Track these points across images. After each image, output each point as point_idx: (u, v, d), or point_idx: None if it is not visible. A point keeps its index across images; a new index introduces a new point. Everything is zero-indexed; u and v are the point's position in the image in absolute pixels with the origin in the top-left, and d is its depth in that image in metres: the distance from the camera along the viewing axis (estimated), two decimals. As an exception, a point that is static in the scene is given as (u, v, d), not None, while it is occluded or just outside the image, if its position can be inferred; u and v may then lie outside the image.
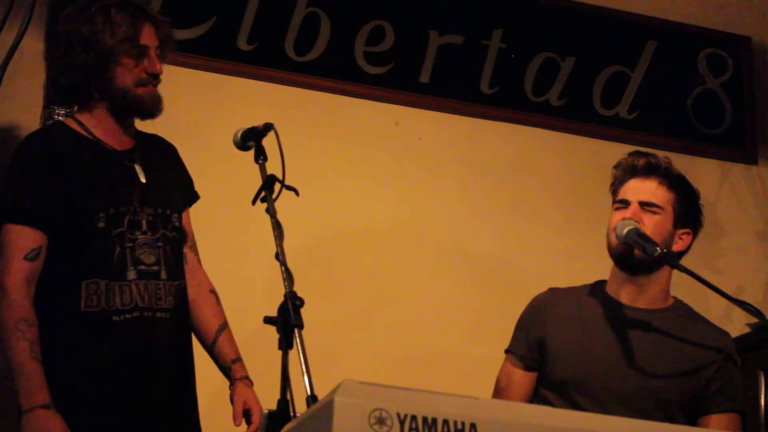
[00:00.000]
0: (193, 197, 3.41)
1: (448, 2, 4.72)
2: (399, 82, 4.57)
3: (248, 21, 4.38)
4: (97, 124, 3.17)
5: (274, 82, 4.39)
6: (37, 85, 4.06)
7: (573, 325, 3.26)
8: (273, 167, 2.90)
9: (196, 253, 3.38)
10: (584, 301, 3.32)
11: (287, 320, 2.53)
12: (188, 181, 3.40)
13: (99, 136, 3.16)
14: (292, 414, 2.47)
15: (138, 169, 3.18)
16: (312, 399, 2.45)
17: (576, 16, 4.90)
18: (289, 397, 2.48)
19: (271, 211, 2.78)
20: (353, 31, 4.54)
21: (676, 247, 3.27)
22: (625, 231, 3.17)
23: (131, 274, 3.07)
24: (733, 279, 4.67)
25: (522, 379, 3.27)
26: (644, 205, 3.23)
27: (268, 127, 2.99)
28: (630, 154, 3.38)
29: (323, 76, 4.46)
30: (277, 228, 2.74)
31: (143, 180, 3.16)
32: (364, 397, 1.89)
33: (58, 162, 3.09)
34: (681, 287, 4.49)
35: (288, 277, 2.63)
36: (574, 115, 4.81)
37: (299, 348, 2.51)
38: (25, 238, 3.03)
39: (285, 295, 2.58)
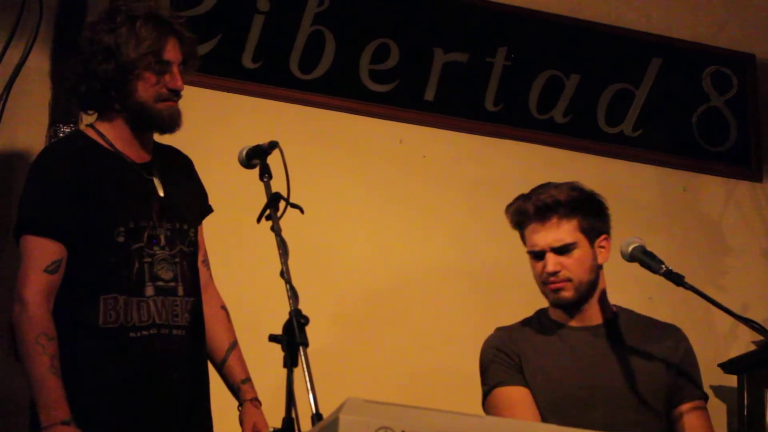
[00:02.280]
0: (206, 210, 3.38)
1: (453, 20, 4.73)
2: (404, 99, 4.58)
3: (253, 39, 4.39)
4: (116, 135, 3.14)
5: (279, 100, 4.40)
6: (43, 104, 4.07)
7: (538, 355, 3.29)
8: (278, 185, 2.90)
9: (208, 268, 3.35)
10: (537, 331, 3.35)
11: (292, 338, 2.53)
12: (203, 194, 3.37)
13: (118, 148, 3.14)
14: (297, 432, 2.47)
15: (156, 182, 3.16)
16: (317, 417, 2.45)
17: (580, 34, 4.91)
18: (294, 415, 2.48)
19: (276, 229, 2.77)
20: (358, 49, 4.55)
21: (602, 258, 3.30)
22: (630, 249, 3.18)
23: (149, 291, 3.05)
24: (739, 296, 4.66)
25: (525, 396, 3.25)
26: (558, 250, 3.24)
27: (273, 146, 2.98)
28: (518, 199, 3.32)
29: (328, 94, 4.46)
30: (282, 246, 2.74)
31: (161, 194, 3.14)
32: (369, 415, 1.89)
33: (78, 174, 3.06)
34: (686, 305, 4.51)
35: (293, 295, 2.63)
36: (578, 133, 4.81)
37: (304, 366, 2.51)
38: (46, 250, 3.00)
39: (290, 313, 2.57)
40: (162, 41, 3.08)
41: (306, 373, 2.51)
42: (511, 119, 4.73)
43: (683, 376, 3.26)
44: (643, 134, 4.90)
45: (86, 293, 3.02)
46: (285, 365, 2.52)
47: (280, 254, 2.71)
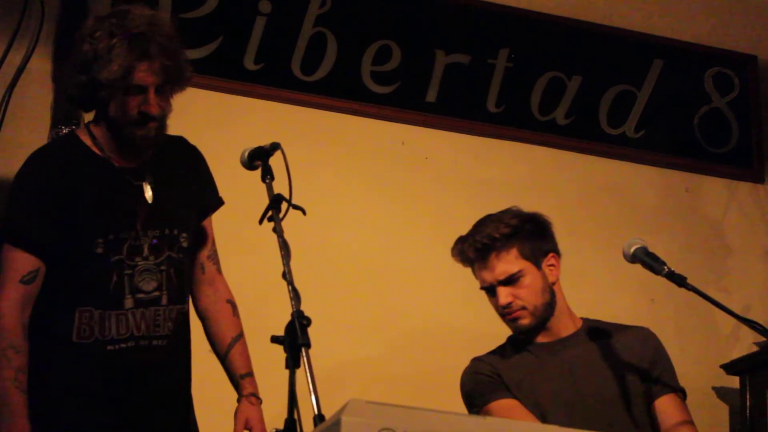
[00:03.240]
0: (215, 203, 3.33)
1: (455, 22, 4.73)
2: (406, 101, 4.58)
3: (255, 41, 4.39)
4: (106, 139, 3.08)
5: (281, 102, 4.40)
6: (45, 105, 4.07)
7: (515, 372, 3.31)
8: (280, 187, 2.90)
9: (215, 263, 3.32)
10: (511, 352, 3.37)
11: (294, 339, 2.53)
12: (210, 187, 3.32)
13: (108, 152, 3.08)
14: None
15: (146, 187, 3.09)
16: (319, 418, 2.44)
17: (582, 36, 4.91)
18: (296, 416, 2.48)
19: (279, 231, 2.77)
20: (360, 50, 4.56)
21: (552, 276, 3.35)
22: (632, 250, 3.18)
23: (128, 303, 3.02)
24: (741, 298, 4.66)
25: (517, 405, 3.26)
26: (505, 282, 3.28)
27: (275, 147, 2.97)
28: (457, 242, 3.40)
29: (330, 96, 4.47)
30: (285, 247, 2.73)
31: (150, 200, 3.07)
32: (371, 416, 1.89)
33: (62, 184, 3.02)
34: (688, 306, 4.51)
35: (295, 296, 2.63)
36: (580, 134, 4.81)
37: (306, 367, 2.51)
38: (22, 262, 2.98)
39: (292, 314, 2.57)
40: (133, 65, 2.92)
41: (308, 374, 2.51)
42: (513, 121, 4.73)
43: (656, 372, 3.28)
44: (645, 135, 4.90)
45: (63, 306, 3.00)
46: (287, 366, 2.52)
47: (282, 255, 2.71)
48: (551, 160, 4.74)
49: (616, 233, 4.48)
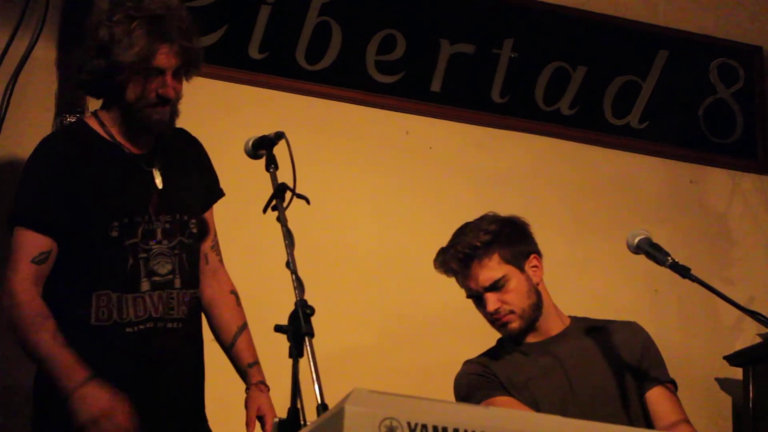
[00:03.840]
0: (216, 194, 3.36)
1: (460, 11, 4.72)
2: (410, 91, 4.58)
3: (259, 30, 4.38)
4: (116, 125, 3.12)
5: (285, 91, 4.39)
6: (49, 94, 4.07)
7: (508, 372, 3.32)
8: (284, 176, 2.90)
9: (218, 253, 3.35)
10: (503, 354, 3.38)
11: (298, 328, 2.53)
12: (212, 178, 3.35)
13: (118, 138, 3.12)
14: (302, 422, 2.46)
15: (156, 173, 3.13)
16: (322, 407, 2.45)
17: (587, 26, 4.90)
18: (299, 405, 2.48)
19: (282, 220, 2.77)
20: (364, 40, 4.55)
21: (537, 277, 3.35)
22: (636, 241, 3.18)
23: (145, 286, 3.04)
24: (745, 289, 4.66)
25: (514, 401, 3.26)
26: (491, 288, 3.30)
27: (279, 136, 2.97)
28: (439, 254, 3.40)
29: (334, 85, 4.46)
30: (288, 236, 2.73)
31: (160, 186, 3.11)
32: (374, 405, 1.88)
33: (74, 168, 3.04)
34: (692, 297, 4.51)
35: (299, 285, 2.63)
36: (585, 125, 4.81)
37: (310, 357, 2.50)
38: (34, 243, 2.99)
39: (296, 304, 2.57)
40: (154, 47, 2.99)
41: (312, 364, 2.51)
42: (517, 111, 4.72)
43: (645, 364, 3.28)
44: (650, 126, 4.90)
45: (80, 290, 3.01)
46: (290, 355, 2.52)
47: (286, 245, 2.71)
48: (555, 151, 4.74)
49: (620, 224, 4.48)
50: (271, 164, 2.93)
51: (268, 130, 3.04)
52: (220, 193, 3.38)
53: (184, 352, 3.14)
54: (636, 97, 4.90)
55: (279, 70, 4.41)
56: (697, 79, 5.03)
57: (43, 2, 4.06)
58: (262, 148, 2.98)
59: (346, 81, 4.49)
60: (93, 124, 3.15)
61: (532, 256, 3.36)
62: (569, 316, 3.45)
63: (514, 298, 3.28)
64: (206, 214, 3.31)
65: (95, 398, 2.87)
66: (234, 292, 3.34)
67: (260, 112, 4.27)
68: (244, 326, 3.29)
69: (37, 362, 2.96)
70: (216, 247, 3.34)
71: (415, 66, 4.60)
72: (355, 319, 4.24)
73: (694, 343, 4.63)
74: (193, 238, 3.18)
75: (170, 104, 3.07)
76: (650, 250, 3.14)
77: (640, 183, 4.83)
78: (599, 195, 4.74)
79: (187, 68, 3.10)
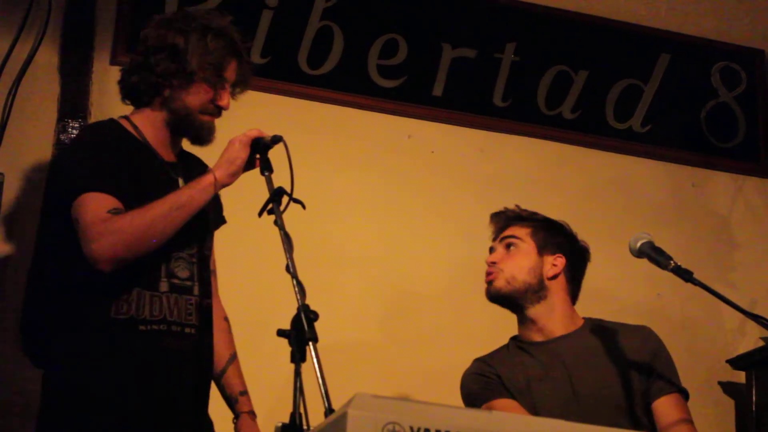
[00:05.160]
0: (220, 221, 3.42)
1: (461, 16, 4.73)
2: (412, 95, 4.58)
3: (261, 34, 4.39)
4: (150, 131, 3.18)
5: (287, 95, 4.40)
6: (52, 98, 4.07)
7: (514, 373, 3.33)
8: (283, 180, 2.90)
9: (216, 279, 3.38)
10: (511, 353, 3.41)
11: (301, 333, 2.52)
12: (218, 205, 3.40)
13: (150, 143, 3.17)
14: (305, 427, 2.46)
15: (181, 183, 3.17)
16: (330, 412, 2.45)
17: (589, 30, 4.90)
18: (303, 410, 2.47)
19: (280, 224, 2.77)
20: (366, 44, 4.55)
21: (550, 272, 3.42)
22: (638, 244, 3.18)
23: (164, 286, 3.06)
24: (747, 292, 4.65)
25: (516, 405, 3.27)
26: (505, 241, 3.46)
27: (275, 140, 3.00)
28: (499, 212, 3.61)
29: (336, 90, 4.47)
30: (287, 240, 2.73)
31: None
32: (377, 410, 1.89)
33: (117, 151, 3.09)
34: (694, 301, 4.50)
35: (300, 289, 2.63)
36: (587, 129, 4.81)
37: (315, 361, 2.51)
38: (106, 201, 2.98)
39: (298, 308, 2.57)
40: (226, 60, 3.18)
41: (317, 369, 2.51)
42: (519, 115, 4.73)
43: (655, 372, 3.28)
44: (652, 130, 4.89)
45: (101, 284, 3.00)
46: (293, 360, 2.52)
47: (285, 249, 2.71)
48: (558, 155, 4.74)
49: (622, 228, 4.48)
50: (266, 168, 2.95)
51: (270, 135, 3.05)
52: (222, 221, 3.44)
53: (196, 359, 3.13)
54: (638, 100, 4.90)
55: (281, 74, 4.41)
56: (699, 83, 5.03)
57: (46, 7, 4.07)
58: (257, 152, 3.00)
59: (347, 85, 4.49)
60: (125, 125, 3.21)
61: (558, 254, 3.44)
62: (583, 318, 3.45)
63: (514, 264, 3.39)
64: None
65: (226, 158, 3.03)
66: (226, 319, 3.38)
67: (262, 117, 4.25)
68: (234, 355, 3.33)
69: (173, 228, 2.98)
70: (215, 273, 3.38)
71: (416, 70, 4.60)
72: (358, 323, 4.24)
73: (697, 347, 4.63)
74: (208, 251, 3.24)
75: (218, 117, 3.23)
76: (653, 253, 3.14)
77: (642, 187, 4.83)
78: (601, 199, 4.74)
79: (241, 85, 3.28)
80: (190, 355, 3.09)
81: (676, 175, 4.90)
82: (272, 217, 2.82)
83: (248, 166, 3.07)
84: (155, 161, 3.17)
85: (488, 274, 3.42)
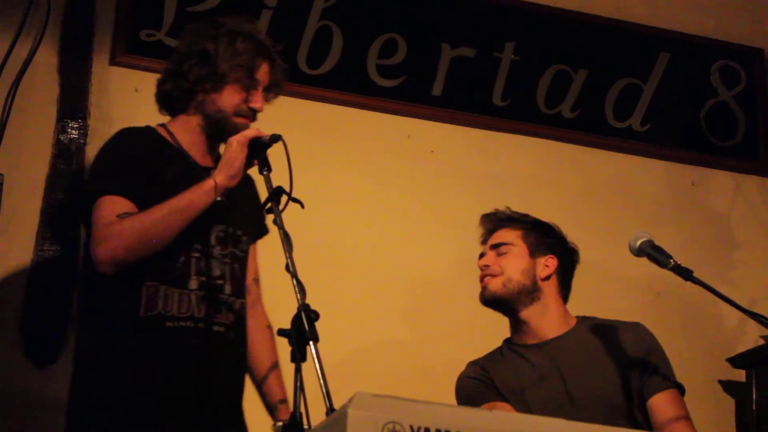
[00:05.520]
0: (263, 231, 3.44)
1: (461, 15, 4.73)
2: (411, 94, 4.58)
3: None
4: (185, 136, 3.23)
5: (286, 95, 4.36)
6: (51, 99, 4.07)
7: (507, 376, 3.33)
8: (282, 179, 2.89)
9: (259, 287, 3.41)
10: (504, 355, 3.41)
11: (301, 333, 2.52)
12: (260, 215, 3.40)
13: (185, 148, 3.21)
14: (306, 426, 2.46)
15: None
16: (331, 411, 2.44)
17: (588, 29, 4.90)
18: (302, 409, 2.47)
19: (279, 223, 2.77)
20: (366, 44, 4.55)
21: (543, 273, 3.41)
22: (638, 243, 3.18)
23: (193, 284, 3.09)
24: (747, 291, 4.65)
25: (510, 408, 3.26)
26: (495, 247, 3.45)
27: (274, 139, 3.00)
28: (487, 214, 3.60)
29: (335, 89, 4.47)
30: (286, 240, 2.73)
31: (218, 198, 3.09)
32: (377, 409, 1.89)
33: (146, 157, 3.13)
34: (694, 299, 4.50)
35: (300, 289, 2.63)
36: (586, 128, 4.81)
37: (316, 361, 2.50)
38: (117, 204, 3.04)
39: (299, 308, 2.57)
40: (256, 61, 3.22)
41: (318, 368, 2.51)
42: (519, 114, 4.73)
43: (649, 368, 3.27)
44: (651, 129, 4.89)
45: (131, 282, 3.04)
46: (293, 360, 2.52)
47: (284, 248, 2.71)
48: (557, 154, 4.74)
49: (622, 227, 4.48)
50: (264, 167, 2.95)
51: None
52: (265, 231, 3.44)
53: (226, 357, 3.14)
54: (637, 99, 4.90)
55: (280, 74, 4.40)
56: (699, 82, 5.03)
57: (44, 8, 4.07)
58: (255, 151, 3.01)
59: (347, 85, 4.49)
60: (161, 131, 3.26)
61: (549, 255, 3.44)
62: (576, 317, 3.45)
63: (506, 266, 3.38)
64: (252, 246, 3.38)
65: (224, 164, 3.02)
66: (269, 327, 3.40)
67: (261, 116, 4.24)
68: (276, 363, 3.34)
69: (172, 231, 3.01)
70: (258, 281, 3.42)
71: (416, 70, 4.60)
72: (358, 323, 4.24)
73: (697, 346, 4.63)
74: (244, 253, 3.26)
75: (255, 117, 3.25)
76: (652, 252, 3.14)
77: (642, 185, 4.83)
78: (601, 198, 4.74)
79: (275, 88, 3.32)
80: (219, 353, 3.10)
81: (675, 173, 4.90)
82: (271, 216, 2.82)
83: (248, 165, 3.07)
84: (188, 165, 3.19)
85: (482, 278, 3.42)
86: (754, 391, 4.35)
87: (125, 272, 3.01)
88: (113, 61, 4.21)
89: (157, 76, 4.25)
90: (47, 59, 4.10)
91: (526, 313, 3.37)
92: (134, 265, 3.01)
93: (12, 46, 4.03)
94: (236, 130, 3.15)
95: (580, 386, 3.23)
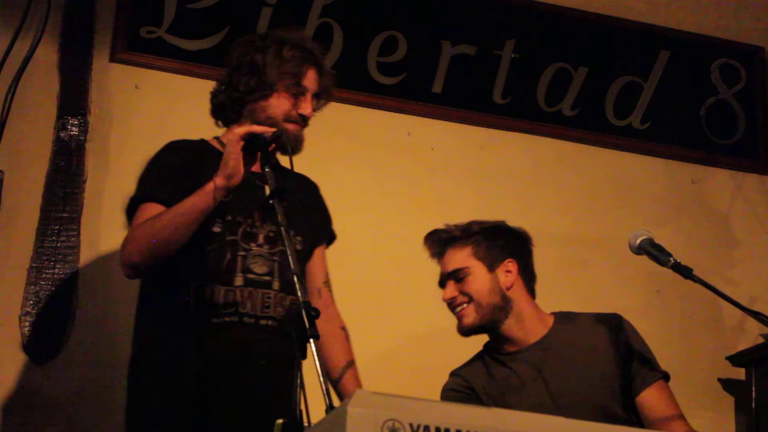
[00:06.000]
0: (328, 234, 3.50)
1: (461, 13, 4.73)
2: (411, 92, 4.58)
3: (261, 31, 4.38)
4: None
5: (287, 94, 4.39)
6: (51, 96, 4.07)
7: (489, 386, 3.30)
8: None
9: (330, 290, 3.48)
10: (485, 364, 3.36)
11: (302, 331, 2.52)
12: (324, 219, 3.49)
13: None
14: (306, 424, 2.46)
15: (268, 189, 3.10)
16: (331, 409, 2.45)
17: (588, 27, 4.90)
18: (303, 407, 2.47)
19: (281, 221, 2.77)
20: (366, 41, 4.55)
21: (507, 282, 3.30)
22: (638, 241, 3.17)
23: (238, 281, 3.13)
24: (747, 289, 4.66)
25: None
26: (451, 276, 3.33)
27: (276, 135, 3.01)
28: (427, 237, 3.48)
29: (336, 87, 4.45)
30: (288, 239, 2.73)
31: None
32: (377, 407, 1.89)
33: (193, 165, 3.19)
34: (694, 297, 4.50)
35: (301, 287, 2.63)
36: (586, 126, 4.81)
37: (316, 359, 2.51)
38: (150, 210, 3.12)
39: (299, 305, 2.57)
40: (303, 68, 3.28)
41: (318, 366, 2.51)
42: (519, 112, 4.72)
43: (633, 364, 3.23)
44: (652, 127, 4.89)
45: (180, 281, 3.11)
46: (293, 357, 2.51)
47: (286, 246, 2.71)
48: (557, 152, 4.74)
49: (622, 225, 4.48)
50: (266, 164, 2.96)
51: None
52: (332, 235, 3.52)
53: (274, 351, 3.13)
54: (638, 97, 4.90)
55: (280, 71, 4.40)
56: (699, 80, 5.03)
57: (45, 5, 4.07)
58: (257, 148, 3.01)
59: (347, 82, 4.46)
60: (214, 143, 3.34)
61: (507, 260, 3.33)
62: (552, 314, 3.39)
63: (473, 293, 3.28)
64: (319, 251, 3.45)
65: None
66: (344, 329, 3.47)
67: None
68: (351, 362, 3.41)
69: (180, 218, 3.04)
70: (329, 284, 3.48)
71: (416, 67, 4.60)
72: (357, 322, 4.22)
73: (697, 344, 4.63)
74: (297, 253, 3.22)
75: (306, 123, 3.32)
76: (652, 250, 3.14)
77: (642, 184, 4.83)
78: (601, 196, 4.74)
79: (322, 96, 3.38)
80: (266, 347, 3.12)
81: (675, 172, 4.90)
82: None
83: (250, 162, 3.06)
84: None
85: (453, 309, 3.34)
86: (753, 389, 4.35)
87: (175, 273, 3.09)
88: (113, 58, 4.21)
89: (158, 72, 4.27)
90: (47, 56, 4.10)
91: (505, 328, 3.29)
92: (183, 264, 3.08)
93: (12, 43, 4.03)
94: (290, 136, 3.20)
95: (563, 392, 3.19)
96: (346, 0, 4.53)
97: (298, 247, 3.28)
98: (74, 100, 4.08)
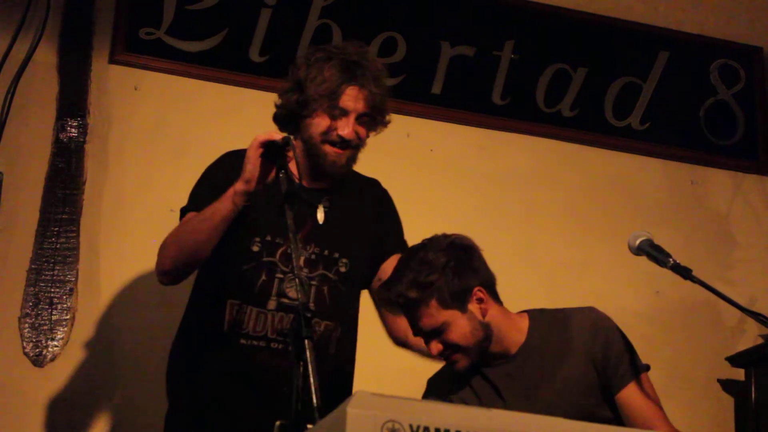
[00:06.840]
0: (392, 247, 3.38)
1: (460, 14, 4.73)
2: (411, 93, 4.57)
3: (260, 33, 4.39)
4: (293, 159, 3.11)
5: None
6: (50, 97, 4.08)
7: (468, 401, 3.24)
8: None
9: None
10: (467, 379, 3.26)
11: (299, 331, 2.52)
12: (389, 231, 3.43)
13: (292, 171, 3.03)
14: (305, 426, 2.46)
15: (320, 208, 2.99)
16: (319, 409, 2.43)
17: (588, 27, 4.90)
18: (304, 406, 2.47)
19: (290, 226, 2.76)
20: (365, 42, 4.53)
21: (481, 312, 3.16)
22: (637, 242, 3.16)
23: (271, 304, 3.11)
24: (746, 290, 4.65)
25: None
26: (435, 333, 3.14)
27: (286, 141, 2.96)
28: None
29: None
30: (294, 243, 2.73)
31: (320, 221, 2.94)
32: (377, 408, 1.89)
33: (233, 175, 3.09)
34: (693, 298, 4.50)
35: (302, 289, 2.63)
36: (586, 126, 4.81)
37: (308, 358, 2.51)
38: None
39: (297, 306, 2.57)
40: (342, 87, 3.12)
41: (310, 366, 2.50)
42: (518, 113, 4.73)
43: (611, 361, 3.14)
44: (651, 128, 4.90)
45: (216, 298, 3.11)
46: (291, 357, 2.51)
47: (292, 249, 2.70)
48: (556, 153, 4.74)
49: (621, 225, 4.48)
50: (282, 169, 2.92)
51: (269, 134, 3.05)
52: (398, 247, 3.39)
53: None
54: (637, 98, 4.90)
55: (280, 73, 4.34)
56: (698, 80, 5.03)
57: (44, 6, 4.07)
58: (274, 154, 2.94)
59: (346, 84, 4.48)
60: None
61: (475, 290, 3.16)
62: (527, 314, 3.28)
63: (458, 340, 3.13)
64: (388, 263, 3.33)
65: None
66: None
67: (261, 115, 4.24)
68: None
69: (201, 227, 3.04)
70: None
71: (415, 68, 4.60)
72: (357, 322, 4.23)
73: (696, 345, 4.63)
74: (340, 276, 3.23)
75: (350, 148, 3.17)
76: (652, 251, 3.13)
77: (641, 184, 4.83)
78: (600, 196, 4.74)
79: (373, 116, 3.21)
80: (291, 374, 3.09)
81: (674, 172, 4.90)
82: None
83: (268, 169, 2.99)
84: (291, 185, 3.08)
85: (444, 360, 3.22)
86: (753, 389, 4.35)
87: (212, 289, 3.12)
88: (112, 60, 4.21)
89: (157, 74, 4.27)
90: (47, 57, 4.10)
91: (492, 350, 3.17)
92: (220, 282, 3.11)
93: (12, 44, 4.03)
94: (324, 157, 3.14)
95: (544, 401, 3.12)
96: (346, 1, 4.54)
97: (343, 269, 3.24)
98: (73, 101, 4.08)
